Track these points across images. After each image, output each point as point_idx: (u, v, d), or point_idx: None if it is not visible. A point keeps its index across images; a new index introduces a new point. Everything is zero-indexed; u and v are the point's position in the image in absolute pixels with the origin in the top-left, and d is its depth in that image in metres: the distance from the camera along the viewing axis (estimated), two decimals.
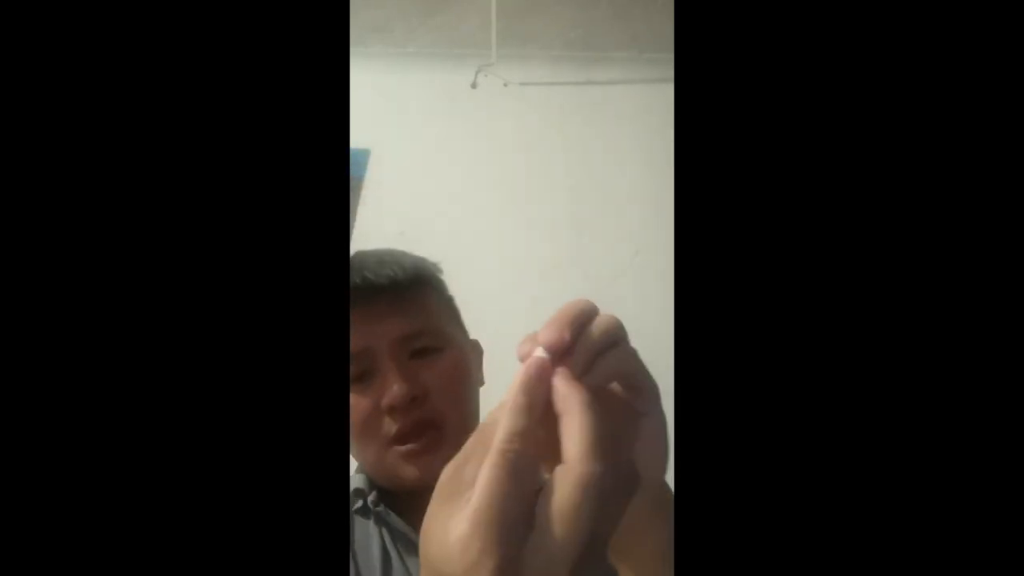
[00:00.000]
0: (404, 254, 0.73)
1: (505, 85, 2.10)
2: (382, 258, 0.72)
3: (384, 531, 0.68)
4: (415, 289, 0.70)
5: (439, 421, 0.66)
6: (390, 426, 0.65)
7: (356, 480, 0.74)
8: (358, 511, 0.71)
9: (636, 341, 0.32)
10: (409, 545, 0.67)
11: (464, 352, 0.73)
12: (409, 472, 0.65)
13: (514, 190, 2.03)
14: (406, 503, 0.70)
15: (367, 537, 0.68)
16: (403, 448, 0.65)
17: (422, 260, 0.74)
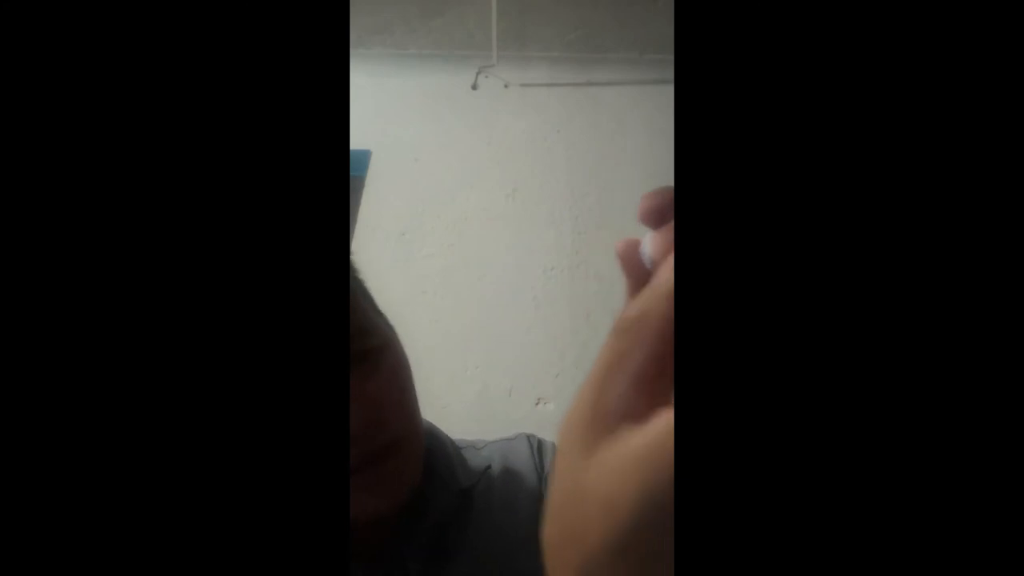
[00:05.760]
0: None
1: (506, 86, 2.10)
2: None
3: None
4: None
5: (399, 441, 0.56)
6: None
7: None
8: None
9: None
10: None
11: (399, 346, 0.62)
12: (372, 504, 0.55)
13: (514, 190, 2.03)
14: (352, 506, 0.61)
15: None
16: (362, 478, 0.54)
17: None
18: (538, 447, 0.68)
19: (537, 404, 1.80)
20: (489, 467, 0.66)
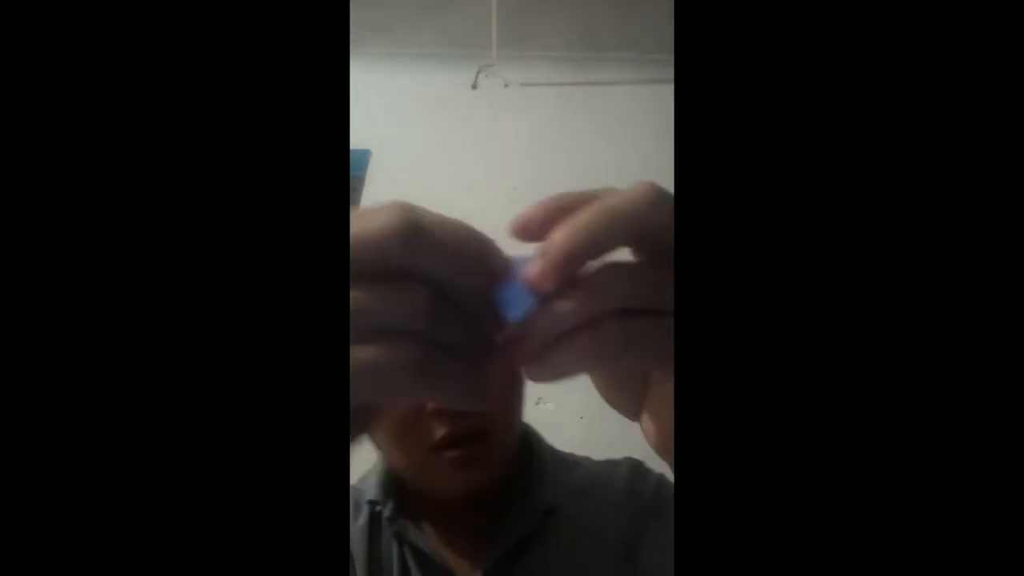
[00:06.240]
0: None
1: (506, 85, 2.10)
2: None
3: (404, 551, 0.60)
4: None
5: (489, 429, 0.58)
6: (436, 429, 0.57)
7: (369, 487, 0.64)
8: (368, 524, 0.62)
9: None
10: (435, 570, 0.59)
11: None
12: (455, 481, 0.58)
13: (514, 190, 2.03)
14: (432, 516, 0.62)
15: (381, 558, 0.60)
16: (450, 454, 0.57)
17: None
18: (640, 475, 0.66)
19: (537, 403, 1.80)
20: (583, 488, 0.64)
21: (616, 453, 0.68)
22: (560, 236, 0.24)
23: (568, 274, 0.24)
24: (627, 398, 0.32)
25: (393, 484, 0.63)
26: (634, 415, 0.32)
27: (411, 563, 0.59)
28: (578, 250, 0.24)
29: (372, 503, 0.62)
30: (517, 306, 0.26)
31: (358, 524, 0.62)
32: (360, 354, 0.23)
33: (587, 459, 0.70)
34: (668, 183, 0.25)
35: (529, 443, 0.66)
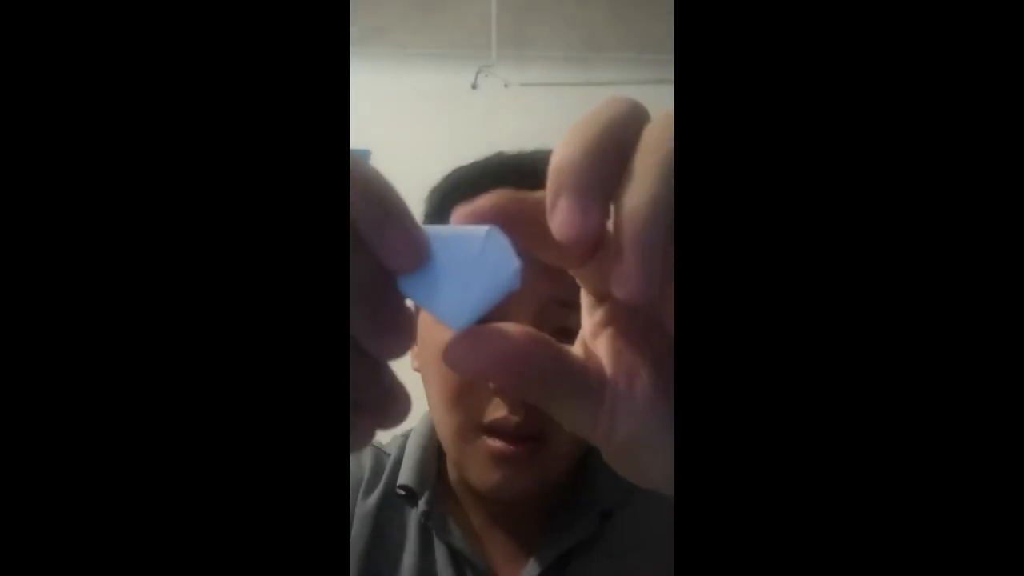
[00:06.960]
0: None
1: (505, 86, 2.10)
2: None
3: (433, 548, 0.54)
4: None
5: (547, 434, 0.51)
6: (495, 409, 0.50)
7: (405, 469, 0.56)
8: (379, 503, 0.55)
9: None
10: (472, 573, 0.53)
11: None
12: (490, 476, 0.51)
13: None
14: (476, 512, 0.57)
15: (388, 546, 0.54)
16: (495, 444, 0.50)
17: None
18: None
19: None
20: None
21: None
22: (559, 157, 0.20)
23: (599, 214, 0.19)
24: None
25: (433, 469, 0.57)
26: None
27: (440, 562, 0.54)
28: (597, 166, 0.20)
29: (403, 487, 0.56)
30: (465, 302, 0.20)
31: (368, 502, 0.56)
32: None
33: None
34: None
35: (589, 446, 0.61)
